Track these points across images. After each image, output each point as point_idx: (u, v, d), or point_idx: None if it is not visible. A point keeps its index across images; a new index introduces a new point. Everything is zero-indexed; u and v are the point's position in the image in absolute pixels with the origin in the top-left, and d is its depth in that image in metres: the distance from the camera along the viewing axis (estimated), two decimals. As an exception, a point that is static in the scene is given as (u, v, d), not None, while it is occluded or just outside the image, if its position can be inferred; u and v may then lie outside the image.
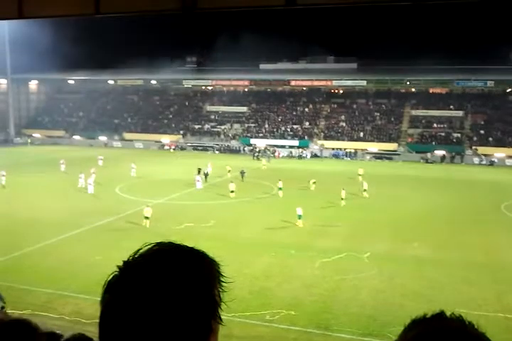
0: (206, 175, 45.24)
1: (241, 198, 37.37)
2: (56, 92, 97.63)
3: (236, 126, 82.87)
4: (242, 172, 46.00)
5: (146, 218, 29.06)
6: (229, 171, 49.59)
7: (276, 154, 71.53)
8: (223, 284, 1.23)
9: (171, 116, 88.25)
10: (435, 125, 75.43)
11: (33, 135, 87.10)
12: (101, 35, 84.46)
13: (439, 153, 69.02)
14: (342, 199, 35.66)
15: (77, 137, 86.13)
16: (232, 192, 37.77)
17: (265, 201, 37.87)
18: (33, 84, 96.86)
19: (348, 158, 70.05)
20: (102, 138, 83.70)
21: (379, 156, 70.42)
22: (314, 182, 41.83)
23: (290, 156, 71.16)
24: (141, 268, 1.16)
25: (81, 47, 79.71)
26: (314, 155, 71.02)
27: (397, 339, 1.25)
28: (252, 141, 77.30)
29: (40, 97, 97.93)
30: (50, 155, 62.03)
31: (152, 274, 1.14)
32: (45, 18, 9.31)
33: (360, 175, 47.43)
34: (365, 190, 39.56)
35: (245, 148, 75.34)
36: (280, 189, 38.92)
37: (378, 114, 79.59)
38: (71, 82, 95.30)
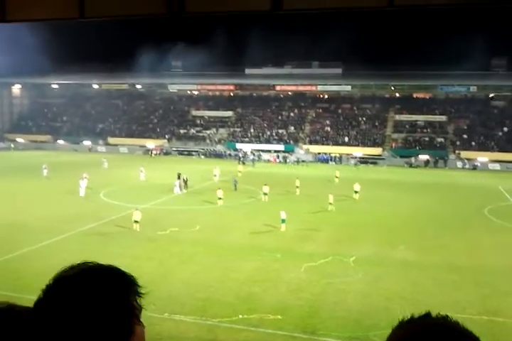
0: (186, 181, 43.83)
1: (226, 203, 37.27)
2: (40, 97, 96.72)
3: (221, 130, 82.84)
4: (235, 182, 43.93)
5: (136, 222, 28.92)
6: (214, 175, 49.59)
7: (272, 159, 71.92)
8: (141, 292, 1.40)
9: (155, 120, 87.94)
10: (419, 130, 76.13)
11: (17, 140, 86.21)
12: (86, 39, 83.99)
13: (423, 157, 69.65)
14: (330, 203, 35.80)
15: (61, 142, 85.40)
16: (219, 199, 37.09)
17: (251, 206, 37.85)
18: (16, 89, 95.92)
19: (333, 163, 70.33)
20: (87, 143, 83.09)
21: (364, 161, 70.85)
22: (298, 187, 42.05)
23: (281, 161, 71.27)
24: (64, 287, 1.35)
25: (65, 51, 79.33)
26: (302, 161, 70.88)
27: (387, 340, 1.28)
28: (238, 145, 77.38)
29: (24, 101, 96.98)
30: (33, 160, 61.43)
31: (74, 291, 1.32)
32: (29, 21, 9.23)
33: (336, 177, 49.24)
34: (356, 192, 40.16)
35: (231, 153, 75.34)
36: (265, 194, 38.94)
37: (363, 118, 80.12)
38: (55, 86, 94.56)
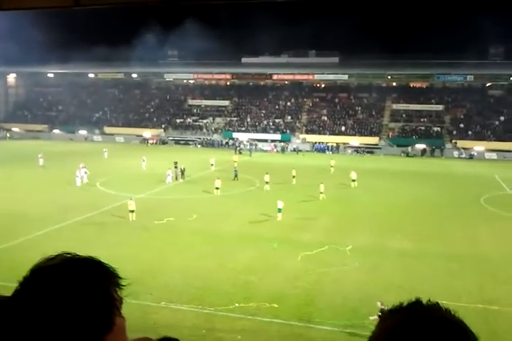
0: (183, 170, 43.54)
1: (223, 192, 37.28)
2: (35, 86, 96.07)
3: (218, 119, 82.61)
4: (235, 172, 43.83)
5: (131, 211, 28.95)
6: (211, 165, 49.54)
7: (270, 149, 71.83)
8: (121, 283, 1.38)
9: (152, 109, 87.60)
10: (416, 119, 76.09)
11: (12, 129, 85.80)
12: (81, 28, 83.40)
13: (420, 146, 69.68)
14: (321, 193, 35.87)
15: (57, 131, 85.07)
16: (217, 188, 37.08)
17: (247, 195, 37.87)
18: (12, 78, 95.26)
19: (330, 152, 70.32)
20: (82, 132, 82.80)
21: (361, 150, 70.84)
22: (294, 176, 42.07)
23: (278, 151, 71.15)
24: (44, 276, 1.34)
25: (60, 40, 78.69)
26: (299, 150, 70.73)
27: (375, 329, 1.25)
28: (235, 134, 77.22)
29: (19, 91, 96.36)
30: (29, 150, 61.23)
31: (53, 282, 1.31)
32: (24, 10, 9.13)
33: (331, 166, 49.56)
34: (353, 181, 40.62)
35: (228, 142, 75.19)
36: (266, 183, 38.89)
37: (360, 107, 79.97)
38: (50, 75, 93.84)
